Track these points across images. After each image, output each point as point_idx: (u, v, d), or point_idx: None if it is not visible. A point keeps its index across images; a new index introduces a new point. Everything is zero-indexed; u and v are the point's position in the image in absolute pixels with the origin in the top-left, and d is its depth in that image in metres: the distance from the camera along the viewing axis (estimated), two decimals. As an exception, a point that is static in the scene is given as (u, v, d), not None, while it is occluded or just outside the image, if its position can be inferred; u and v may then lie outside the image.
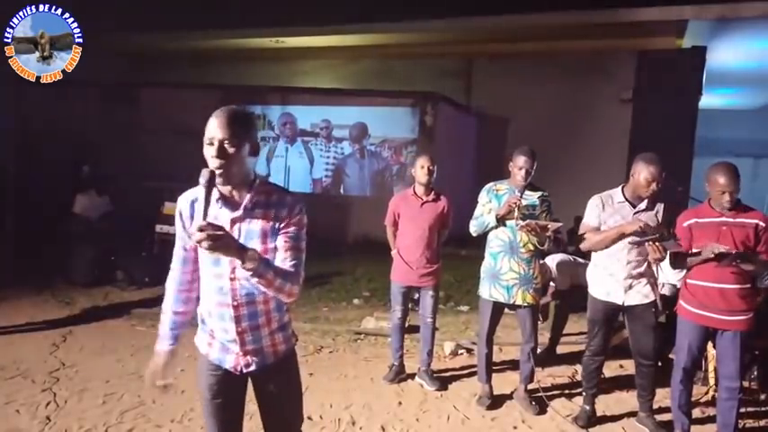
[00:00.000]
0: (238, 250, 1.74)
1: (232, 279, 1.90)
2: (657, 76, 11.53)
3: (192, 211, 1.91)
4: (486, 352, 3.93)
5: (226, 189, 1.87)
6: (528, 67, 13.00)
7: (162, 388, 2.03)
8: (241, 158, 1.82)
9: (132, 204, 8.06)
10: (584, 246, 3.54)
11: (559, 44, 12.85)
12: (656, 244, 3.12)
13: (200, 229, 1.66)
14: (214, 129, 1.79)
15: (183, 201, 1.96)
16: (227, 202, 1.87)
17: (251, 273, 1.76)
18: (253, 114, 1.93)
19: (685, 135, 11.43)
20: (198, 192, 1.85)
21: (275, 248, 1.88)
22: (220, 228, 1.72)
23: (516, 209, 3.61)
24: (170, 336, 2.05)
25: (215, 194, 1.81)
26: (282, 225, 1.88)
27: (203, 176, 1.74)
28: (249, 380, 2.07)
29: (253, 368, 1.99)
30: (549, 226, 3.65)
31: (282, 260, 1.87)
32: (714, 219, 3.15)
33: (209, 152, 1.79)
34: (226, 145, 1.77)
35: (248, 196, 1.87)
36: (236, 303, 1.92)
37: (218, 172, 1.77)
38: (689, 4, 10.53)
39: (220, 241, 1.68)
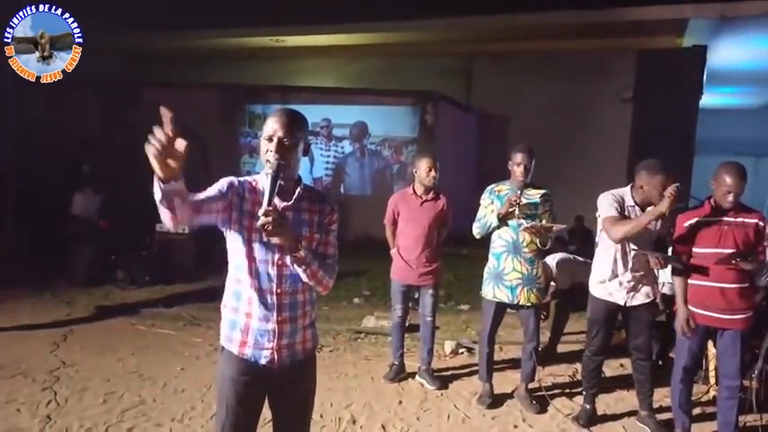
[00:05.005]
0: (294, 238, 1.88)
1: (279, 265, 1.96)
2: (657, 75, 11.52)
3: (243, 191, 1.97)
4: (487, 351, 3.92)
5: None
6: (528, 67, 13.00)
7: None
8: (295, 156, 1.95)
9: (132, 204, 8.05)
10: (615, 236, 3.34)
11: (559, 44, 12.86)
12: (660, 259, 3.23)
13: (266, 214, 1.79)
14: (275, 127, 1.91)
15: (238, 181, 1.98)
16: (279, 192, 1.96)
17: (299, 261, 1.90)
18: (306, 118, 2.03)
19: (685, 135, 11.43)
20: (257, 178, 1.99)
21: (316, 240, 2.01)
22: (283, 215, 1.86)
23: (517, 207, 3.60)
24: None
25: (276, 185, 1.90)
26: (326, 220, 2.04)
27: (271, 168, 1.86)
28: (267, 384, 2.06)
29: (286, 363, 2.01)
30: (555, 228, 3.64)
31: (323, 254, 2.03)
32: (715, 218, 3.15)
33: (269, 147, 1.90)
34: (285, 142, 1.90)
35: (298, 189, 1.99)
36: (279, 291, 1.97)
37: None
38: (689, 3, 10.54)
39: (282, 228, 1.82)
